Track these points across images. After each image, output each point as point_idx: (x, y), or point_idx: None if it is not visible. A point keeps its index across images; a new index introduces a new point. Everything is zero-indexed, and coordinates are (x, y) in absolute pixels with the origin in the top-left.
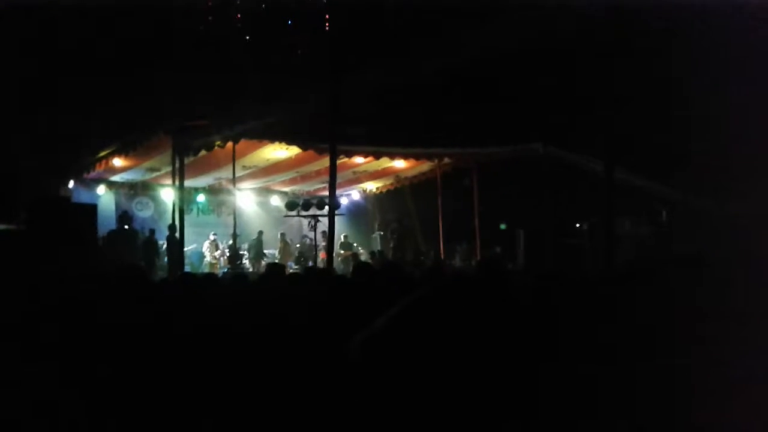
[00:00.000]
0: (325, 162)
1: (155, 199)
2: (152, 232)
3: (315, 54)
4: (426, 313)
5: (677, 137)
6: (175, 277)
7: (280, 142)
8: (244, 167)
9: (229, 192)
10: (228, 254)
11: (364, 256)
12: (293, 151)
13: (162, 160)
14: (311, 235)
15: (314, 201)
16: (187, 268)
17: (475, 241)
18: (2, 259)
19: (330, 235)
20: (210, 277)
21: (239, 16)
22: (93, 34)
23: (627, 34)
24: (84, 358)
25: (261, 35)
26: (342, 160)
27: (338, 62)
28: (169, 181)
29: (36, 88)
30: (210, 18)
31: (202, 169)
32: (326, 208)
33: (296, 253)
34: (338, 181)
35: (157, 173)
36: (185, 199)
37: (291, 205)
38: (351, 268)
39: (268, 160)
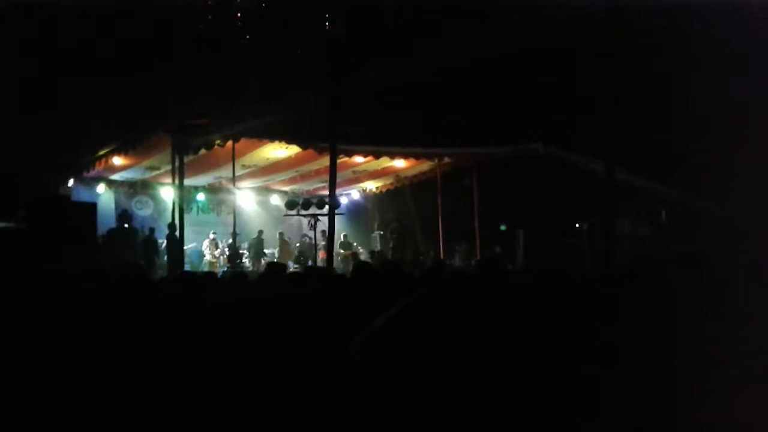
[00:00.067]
0: (324, 161)
1: (155, 198)
2: (152, 230)
3: (315, 54)
4: (426, 313)
5: (677, 137)
6: (175, 276)
7: (280, 141)
8: (244, 166)
9: (228, 191)
10: (227, 253)
11: (363, 255)
12: (293, 150)
13: (162, 159)
14: (311, 234)
15: (314, 200)
16: (187, 267)
17: (474, 240)
18: (2, 257)
19: (330, 234)
20: (210, 275)
21: (239, 15)
22: (93, 33)
23: (627, 34)
24: (84, 356)
25: (261, 34)
26: (342, 160)
27: (338, 62)
28: (168, 180)
29: (36, 88)
30: (210, 17)
31: (201, 167)
32: (326, 207)
33: (296, 253)
34: (338, 180)
35: (157, 172)
36: (185, 197)
37: (291, 205)
38: (350, 268)
39: (267, 159)
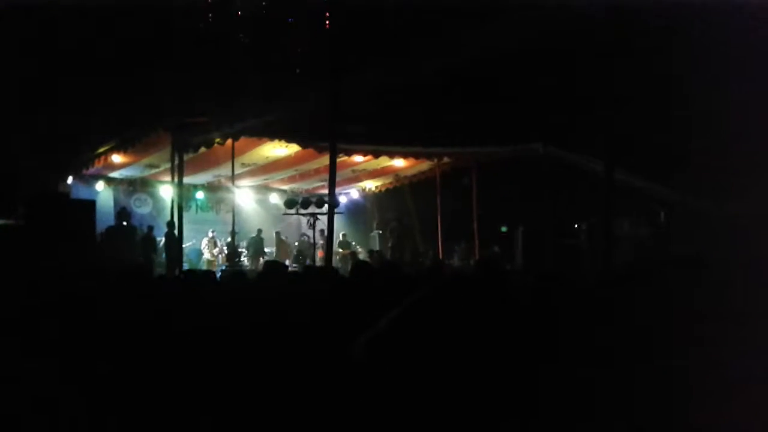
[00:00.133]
0: (324, 160)
1: (154, 196)
2: (150, 228)
3: (315, 53)
4: (427, 314)
5: (677, 137)
6: (175, 274)
7: (280, 140)
8: (244, 165)
9: (228, 189)
10: (226, 252)
11: (362, 254)
12: (293, 149)
13: (161, 157)
14: (310, 233)
15: (313, 199)
16: (185, 265)
17: (473, 240)
18: (1, 254)
19: (329, 233)
20: (209, 274)
21: (239, 14)
22: (93, 33)
23: (627, 34)
24: (83, 354)
25: (261, 33)
26: (341, 159)
27: (338, 61)
28: (168, 178)
29: (36, 87)
30: (210, 16)
31: (201, 166)
32: (325, 206)
33: (294, 252)
34: (337, 179)
35: (156, 170)
36: (184, 196)
37: (290, 203)
38: (349, 267)
39: (267, 157)
